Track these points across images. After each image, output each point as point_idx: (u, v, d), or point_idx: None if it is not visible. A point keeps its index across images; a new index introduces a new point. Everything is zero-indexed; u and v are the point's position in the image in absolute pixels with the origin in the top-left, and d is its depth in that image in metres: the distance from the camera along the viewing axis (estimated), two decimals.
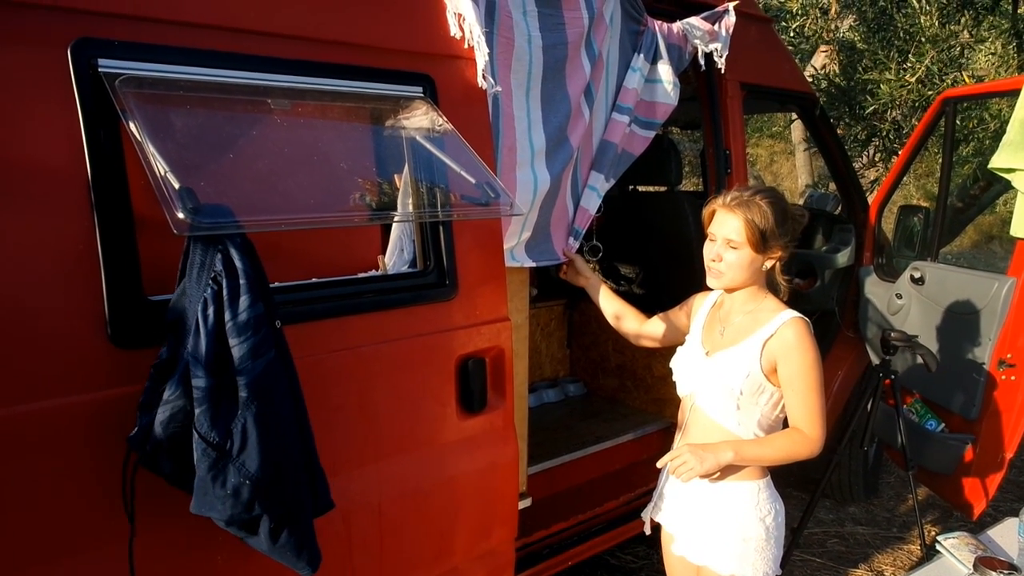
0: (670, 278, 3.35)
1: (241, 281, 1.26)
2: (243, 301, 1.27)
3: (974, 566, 1.77)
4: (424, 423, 1.89)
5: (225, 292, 1.26)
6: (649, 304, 3.41)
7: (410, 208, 1.72)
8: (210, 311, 1.26)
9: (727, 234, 1.78)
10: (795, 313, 1.78)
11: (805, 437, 1.75)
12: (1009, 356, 2.86)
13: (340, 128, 1.74)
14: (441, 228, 1.87)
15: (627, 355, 3.56)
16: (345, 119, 1.74)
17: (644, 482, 3.07)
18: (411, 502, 1.87)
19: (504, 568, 2.16)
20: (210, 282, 1.26)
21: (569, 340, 3.88)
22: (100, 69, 1.35)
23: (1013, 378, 2.90)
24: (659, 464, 1.87)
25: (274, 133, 1.58)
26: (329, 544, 1.53)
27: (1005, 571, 1.71)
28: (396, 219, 1.79)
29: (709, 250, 1.85)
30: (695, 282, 3.11)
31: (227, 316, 1.27)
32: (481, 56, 1.89)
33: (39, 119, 1.31)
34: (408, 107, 1.80)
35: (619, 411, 3.51)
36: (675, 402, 3.36)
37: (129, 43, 1.40)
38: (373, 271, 1.87)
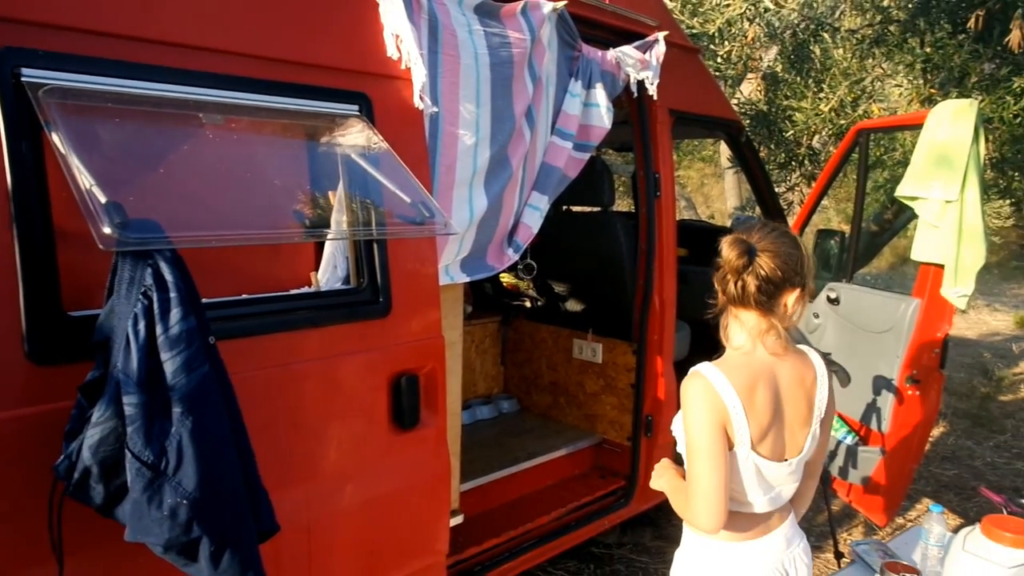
0: (603, 296, 3.43)
1: (172, 294, 1.25)
2: (174, 314, 1.25)
3: (881, 571, 1.87)
4: (356, 440, 1.88)
5: (156, 306, 1.24)
6: (581, 321, 3.50)
7: (344, 226, 1.72)
8: (140, 326, 1.24)
9: None
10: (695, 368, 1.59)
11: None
12: (915, 372, 3.04)
13: (274, 145, 1.74)
14: (375, 245, 1.88)
15: (560, 372, 3.62)
16: (279, 136, 1.74)
17: (576, 497, 3.12)
18: (341, 521, 1.85)
19: None
20: (140, 297, 1.24)
21: (503, 357, 3.91)
22: (23, 79, 1.32)
23: (918, 393, 3.08)
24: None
25: (206, 149, 1.57)
26: None
27: (908, 574, 1.81)
28: (329, 237, 1.79)
29: None
30: (625, 300, 3.22)
31: (158, 330, 1.25)
32: (418, 77, 1.92)
33: None
34: (343, 125, 1.81)
35: (552, 427, 3.56)
36: (607, 419, 3.47)
37: (54, 53, 1.37)
38: (306, 288, 1.86)
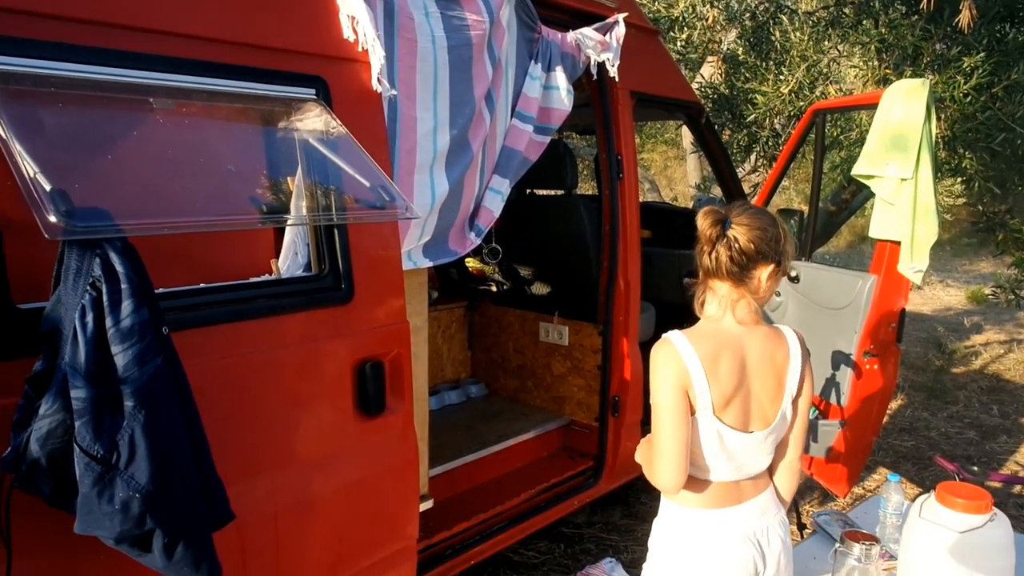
0: (568, 279, 3.45)
1: (123, 286, 1.22)
2: (126, 307, 1.22)
3: (841, 539, 1.92)
4: (321, 428, 1.87)
5: (105, 298, 1.21)
6: (547, 304, 3.51)
7: (303, 212, 1.70)
8: (89, 318, 1.21)
9: None
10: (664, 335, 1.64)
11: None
12: (873, 347, 3.11)
13: (229, 130, 1.70)
14: (336, 231, 1.85)
15: (527, 355, 3.63)
16: (234, 121, 1.70)
17: (545, 478, 3.14)
18: (309, 509, 1.84)
19: (406, 571, 2.16)
20: (88, 288, 1.21)
21: (470, 342, 3.91)
22: None
23: (876, 368, 3.16)
24: None
25: (157, 134, 1.53)
26: (221, 556, 1.49)
27: (867, 543, 1.86)
28: (289, 223, 1.76)
29: None
30: (590, 282, 3.24)
31: (108, 323, 1.22)
32: (376, 59, 1.89)
33: None
34: (300, 109, 1.78)
35: (520, 410, 3.58)
36: (574, 400, 3.49)
37: None
38: (266, 276, 1.83)
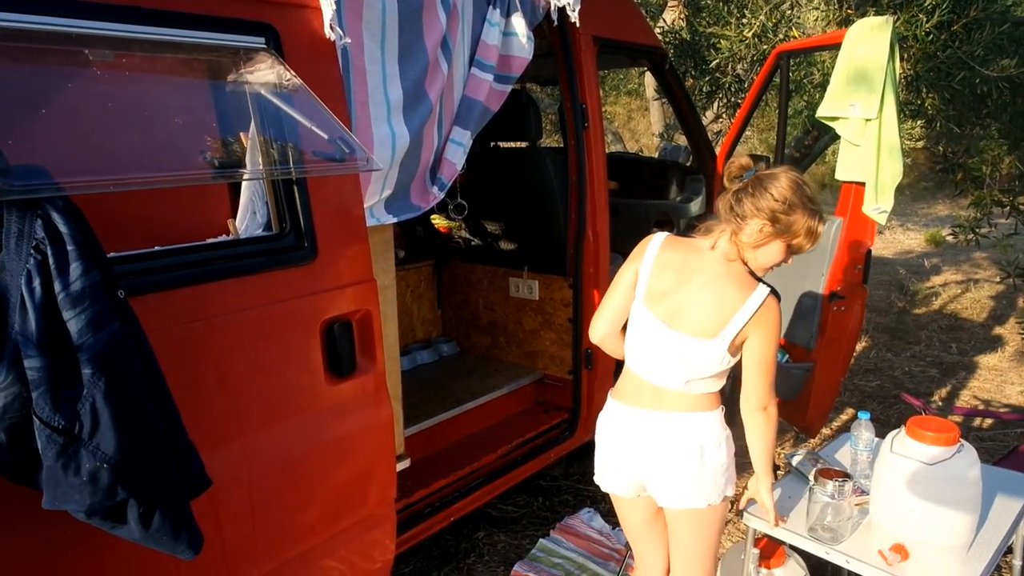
0: (536, 233, 3.41)
1: (69, 248, 1.15)
2: (74, 269, 1.15)
3: (814, 477, 1.95)
4: (291, 391, 1.82)
5: (52, 261, 1.14)
6: (516, 259, 3.47)
7: (260, 166, 1.62)
8: (36, 283, 1.14)
9: None
10: None
11: None
12: (839, 289, 3.14)
13: (174, 82, 1.61)
14: (296, 188, 1.78)
15: (498, 311, 3.61)
16: (179, 72, 1.61)
17: (521, 433, 3.15)
18: (283, 473, 1.80)
19: (386, 531, 2.15)
20: (32, 252, 1.14)
21: (440, 300, 3.87)
22: None
23: (843, 309, 3.19)
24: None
25: (97, 87, 1.43)
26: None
27: (839, 479, 1.90)
28: (245, 177, 1.69)
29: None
30: (559, 235, 3.20)
31: (57, 287, 1.15)
32: (327, 5, 1.80)
33: None
34: (250, 59, 1.69)
35: (493, 367, 3.57)
36: (547, 354, 3.48)
37: None
38: (224, 236, 1.76)
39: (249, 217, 1.83)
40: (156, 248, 1.59)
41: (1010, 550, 2.27)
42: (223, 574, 1.70)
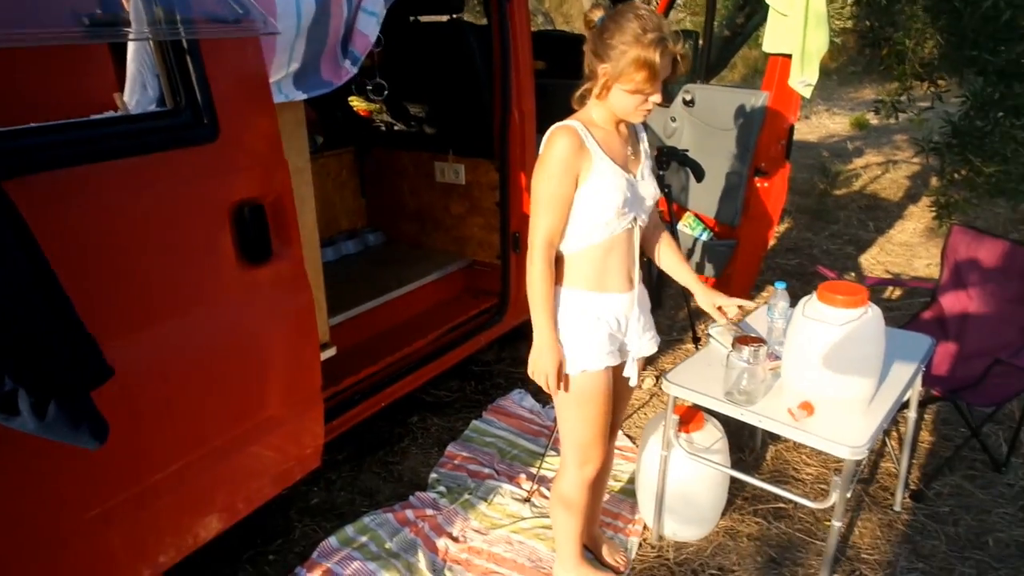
0: (460, 115, 3.28)
1: None
2: None
3: (732, 345, 2.01)
4: (202, 278, 1.73)
5: None
6: (441, 143, 3.35)
7: (144, 28, 1.45)
8: None
9: (665, 75, 1.66)
10: None
11: None
12: (763, 165, 3.18)
13: None
14: (189, 58, 1.62)
15: (424, 198, 3.52)
16: None
17: (450, 319, 3.15)
18: (200, 363, 1.75)
19: (313, 418, 2.14)
20: None
21: (363, 189, 3.75)
22: None
23: (767, 185, 3.24)
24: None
25: None
26: (109, 419, 1.40)
27: (755, 345, 1.96)
28: (130, 37, 1.52)
29: (645, 96, 1.67)
30: (484, 117, 3.09)
31: None
32: None
33: None
34: None
35: (420, 254, 3.52)
36: (475, 240, 3.44)
37: None
38: (111, 112, 1.61)
39: (139, 91, 1.67)
40: (32, 124, 1.44)
41: (906, 404, 2.44)
42: (143, 462, 1.67)
